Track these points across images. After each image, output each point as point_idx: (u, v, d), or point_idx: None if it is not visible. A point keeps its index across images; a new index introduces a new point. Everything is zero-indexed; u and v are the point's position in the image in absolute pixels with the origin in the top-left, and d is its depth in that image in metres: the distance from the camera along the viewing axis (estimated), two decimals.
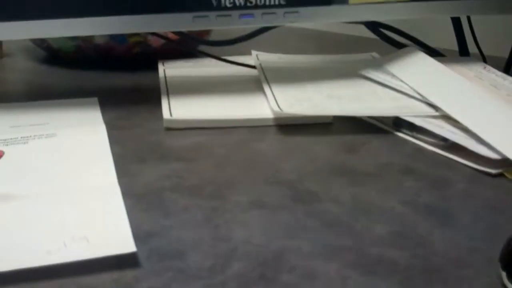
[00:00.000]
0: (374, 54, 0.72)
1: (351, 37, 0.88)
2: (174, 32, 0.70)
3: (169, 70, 0.68)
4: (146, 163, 0.47)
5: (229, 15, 0.57)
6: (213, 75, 0.67)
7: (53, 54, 0.76)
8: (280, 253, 0.35)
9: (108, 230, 0.36)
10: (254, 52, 0.71)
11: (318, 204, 0.41)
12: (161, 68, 0.69)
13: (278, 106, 0.54)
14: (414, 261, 0.35)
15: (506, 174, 0.45)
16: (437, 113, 0.53)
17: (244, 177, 0.45)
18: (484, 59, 0.69)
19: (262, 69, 0.64)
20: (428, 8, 0.62)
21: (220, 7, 0.57)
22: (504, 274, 0.33)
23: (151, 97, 0.61)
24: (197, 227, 0.38)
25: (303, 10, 0.59)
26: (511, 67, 0.67)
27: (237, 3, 0.57)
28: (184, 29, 0.56)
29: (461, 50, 0.71)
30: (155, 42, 0.73)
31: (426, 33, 0.74)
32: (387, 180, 0.45)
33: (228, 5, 0.57)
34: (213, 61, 0.70)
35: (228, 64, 0.68)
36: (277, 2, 0.58)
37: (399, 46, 0.70)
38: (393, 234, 0.38)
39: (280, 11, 0.58)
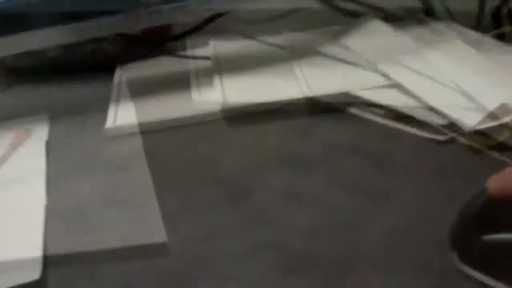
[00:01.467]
0: (336, 27, 0.69)
1: (307, 10, 0.83)
2: (127, 36, 0.68)
3: (126, 74, 0.66)
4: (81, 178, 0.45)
5: (161, 10, 0.54)
6: (172, 72, 0.65)
7: (7, 73, 0.74)
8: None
9: (19, 255, 0.35)
10: (212, 42, 0.69)
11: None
12: (117, 73, 0.66)
13: (224, 97, 0.52)
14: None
15: (457, 138, 0.42)
16: (389, 82, 0.50)
17: (185, 179, 0.43)
18: (451, 16, 0.65)
19: (216, 60, 0.62)
20: None
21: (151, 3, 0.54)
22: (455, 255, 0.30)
23: (105, 106, 0.58)
24: None
25: None
26: (480, 23, 0.63)
27: None
28: (117, 30, 0.54)
29: (426, 9, 0.67)
30: (111, 48, 0.71)
31: None
32: (332, 164, 0.42)
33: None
34: (173, 58, 0.68)
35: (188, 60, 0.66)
36: None
37: (357, 16, 0.66)
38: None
39: None
